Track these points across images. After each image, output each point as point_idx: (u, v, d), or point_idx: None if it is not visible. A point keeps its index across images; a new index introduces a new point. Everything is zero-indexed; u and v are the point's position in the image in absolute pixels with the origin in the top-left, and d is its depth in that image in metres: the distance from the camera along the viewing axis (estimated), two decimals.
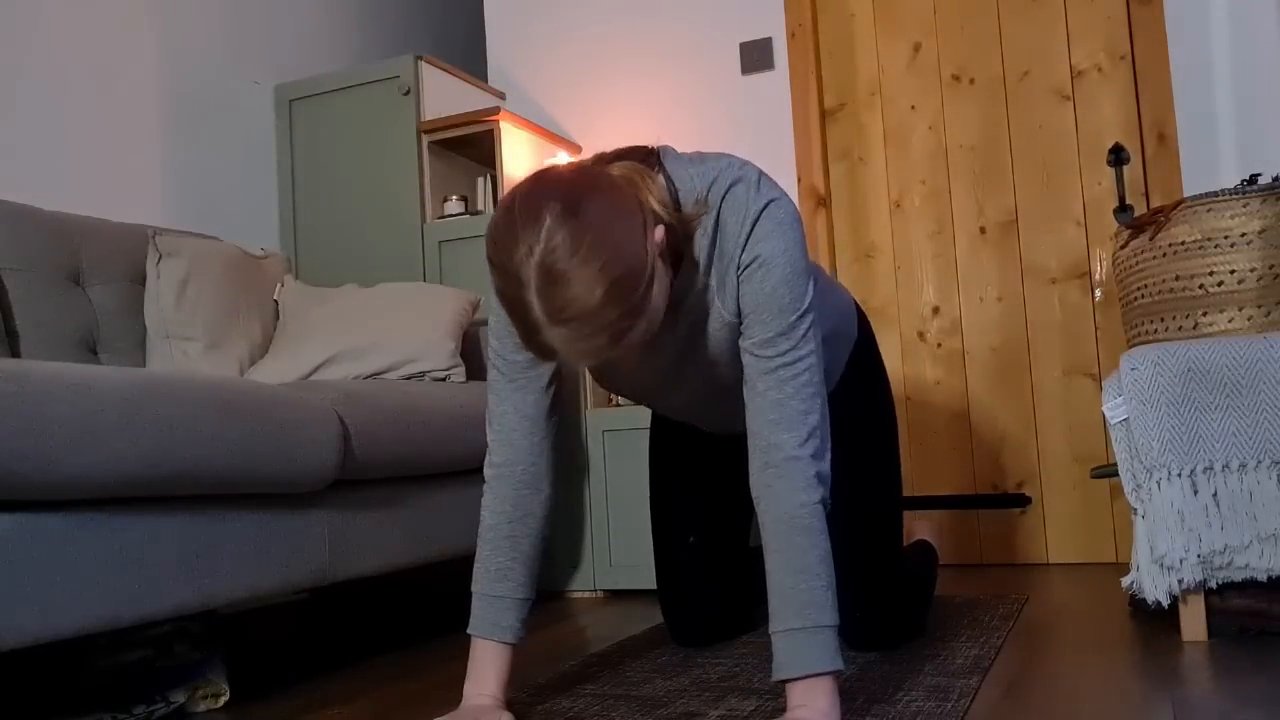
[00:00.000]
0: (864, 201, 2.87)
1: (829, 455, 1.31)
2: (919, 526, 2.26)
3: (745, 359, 1.33)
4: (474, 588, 1.44)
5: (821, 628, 1.24)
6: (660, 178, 1.31)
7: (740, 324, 1.34)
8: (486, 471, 1.46)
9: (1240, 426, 1.66)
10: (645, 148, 1.37)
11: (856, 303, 1.84)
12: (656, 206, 1.24)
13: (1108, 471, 1.90)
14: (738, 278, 1.32)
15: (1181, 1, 2.50)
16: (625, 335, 1.15)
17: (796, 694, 1.24)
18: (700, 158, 1.36)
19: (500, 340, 1.43)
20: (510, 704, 1.42)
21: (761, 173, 1.34)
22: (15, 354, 1.98)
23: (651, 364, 1.46)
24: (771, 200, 1.30)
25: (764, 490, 1.29)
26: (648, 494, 1.94)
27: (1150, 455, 1.70)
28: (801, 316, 1.30)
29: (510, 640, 1.41)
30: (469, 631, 1.43)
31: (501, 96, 3.19)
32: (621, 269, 1.11)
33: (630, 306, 1.13)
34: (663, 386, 1.52)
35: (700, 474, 1.86)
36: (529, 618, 1.44)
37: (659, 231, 1.21)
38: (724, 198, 1.31)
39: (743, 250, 1.30)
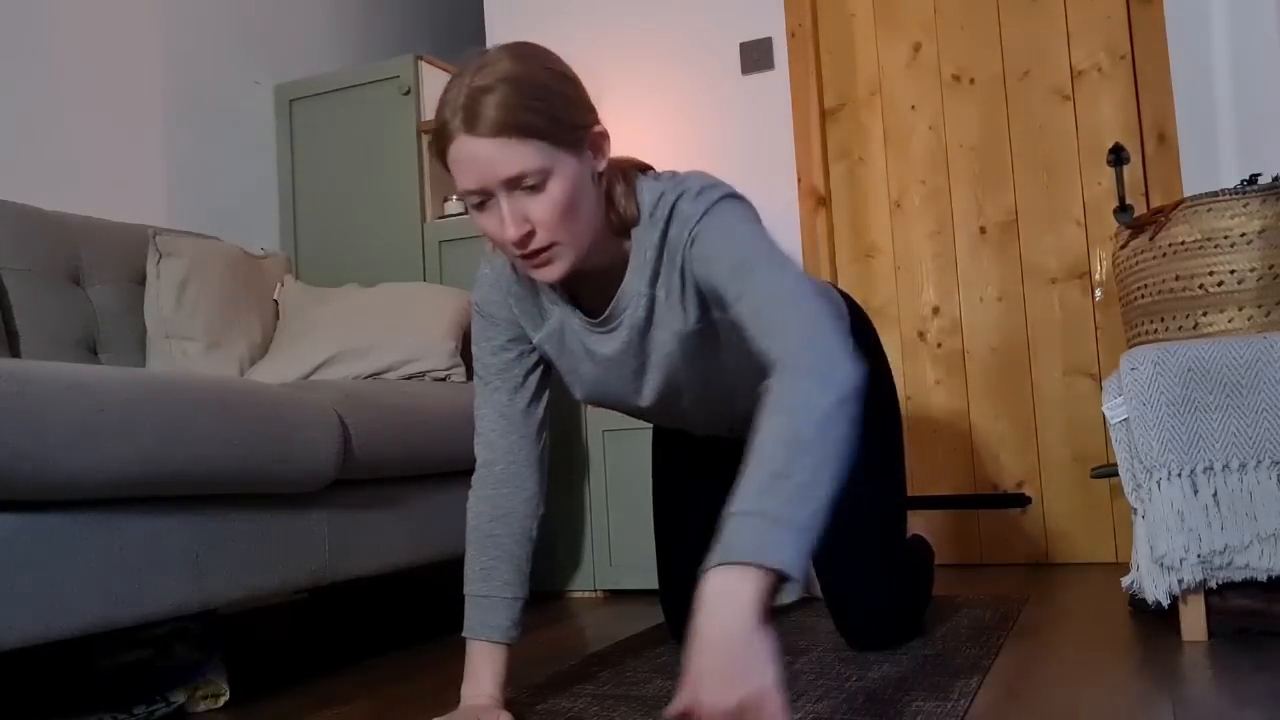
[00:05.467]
0: (864, 201, 2.87)
1: (848, 364, 1.10)
2: (914, 523, 2.26)
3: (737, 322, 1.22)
4: (465, 589, 1.45)
5: (787, 524, 0.98)
6: (632, 175, 1.34)
7: (704, 324, 1.33)
8: (473, 476, 1.48)
9: (1240, 426, 1.66)
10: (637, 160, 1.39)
11: (853, 299, 1.83)
12: (608, 158, 1.28)
13: (1108, 471, 1.90)
14: (692, 274, 1.29)
15: (1181, 1, 2.50)
16: (530, 141, 1.15)
17: (716, 582, 0.96)
18: (671, 175, 1.35)
19: (479, 345, 1.47)
20: (509, 704, 1.42)
21: (716, 184, 1.29)
22: (15, 354, 1.98)
23: (614, 374, 1.44)
24: (715, 202, 1.26)
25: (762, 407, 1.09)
26: (648, 494, 1.94)
27: (1150, 455, 1.70)
28: (766, 252, 1.21)
29: (502, 640, 1.42)
30: (463, 634, 1.43)
31: None
32: (555, 87, 1.19)
33: (547, 114, 1.16)
34: (629, 397, 1.50)
35: (702, 472, 1.86)
36: (521, 617, 1.44)
37: (605, 138, 1.26)
38: (671, 211, 1.29)
39: (689, 248, 1.27)
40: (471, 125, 1.15)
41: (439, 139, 1.19)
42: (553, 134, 1.17)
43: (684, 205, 1.27)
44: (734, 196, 1.29)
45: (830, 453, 1.04)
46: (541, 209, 1.19)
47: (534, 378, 1.47)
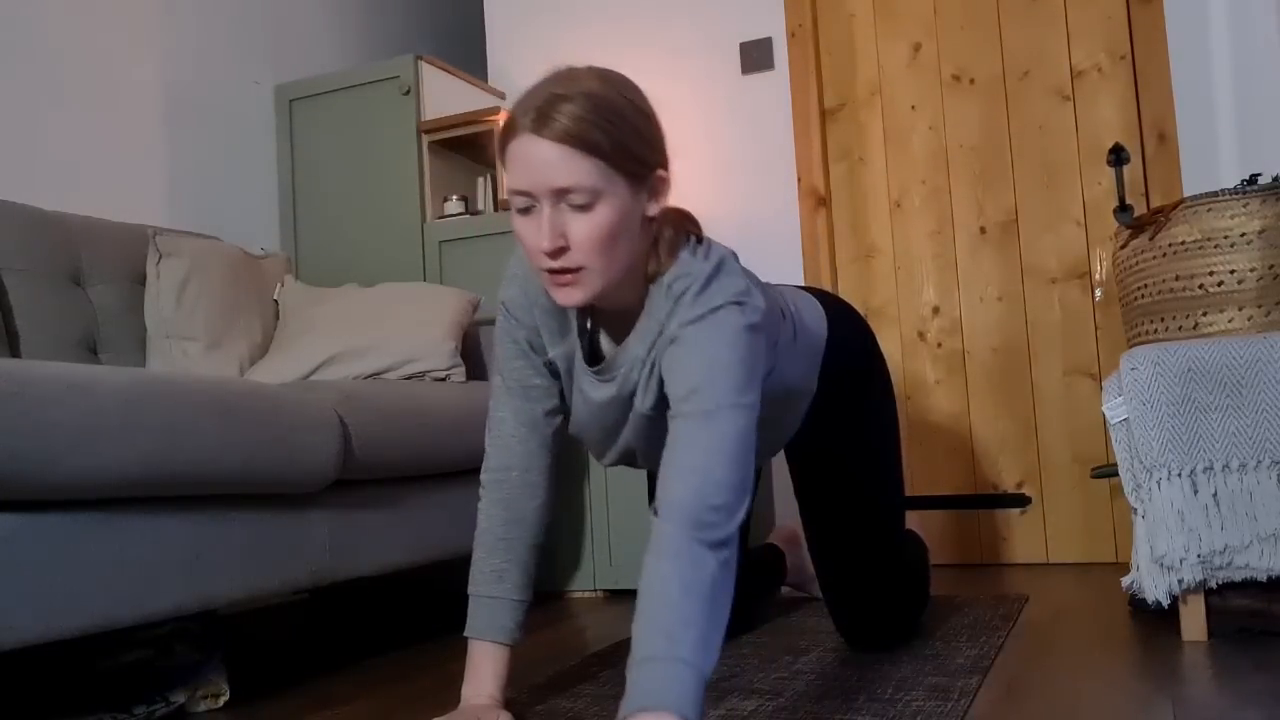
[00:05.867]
0: (864, 201, 2.87)
1: (732, 525, 1.16)
2: (911, 522, 2.25)
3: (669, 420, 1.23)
4: (470, 590, 1.44)
5: (683, 662, 1.06)
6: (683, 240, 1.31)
7: (658, 414, 1.31)
8: (483, 476, 1.47)
9: (1240, 426, 1.66)
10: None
11: (847, 303, 1.81)
12: (669, 222, 1.27)
13: (1108, 471, 1.90)
14: (660, 366, 1.28)
15: (1181, 1, 2.50)
16: (591, 158, 1.15)
17: None
18: (707, 252, 1.30)
19: (502, 344, 1.45)
20: (509, 704, 1.42)
21: (726, 285, 1.25)
22: (15, 354, 1.98)
23: (596, 421, 1.42)
24: (712, 310, 1.23)
25: (654, 542, 1.15)
26: (646, 493, 1.94)
27: (1150, 455, 1.70)
28: (724, 385, 1.20)
29: (507, 641, 1.42)
30: (466, 634, 1.43)
31: (501, 96, 3.19)
32: (632, 119, 1.20)
33: (616, 140, 1.16)
34: (599, 445, 1.49)
35: None
36: (525, 620, 1.44)
37: (667, 184, 1.25)
38: (678, 299, 1.26)
39: (670, 344, 1.25)
40: (540, 126, 1.15)
41: (506, 132, 1.20)
42: (614, 158, 1.17)
43: (687, 300, 1.24)
44: (737, 304, 1.23)
45: (720, 611, 1.13)
46: (582, 229, 1.18)
47: (556, 385, 1.45)
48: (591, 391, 1.39)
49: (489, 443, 1.47)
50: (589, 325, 1.40)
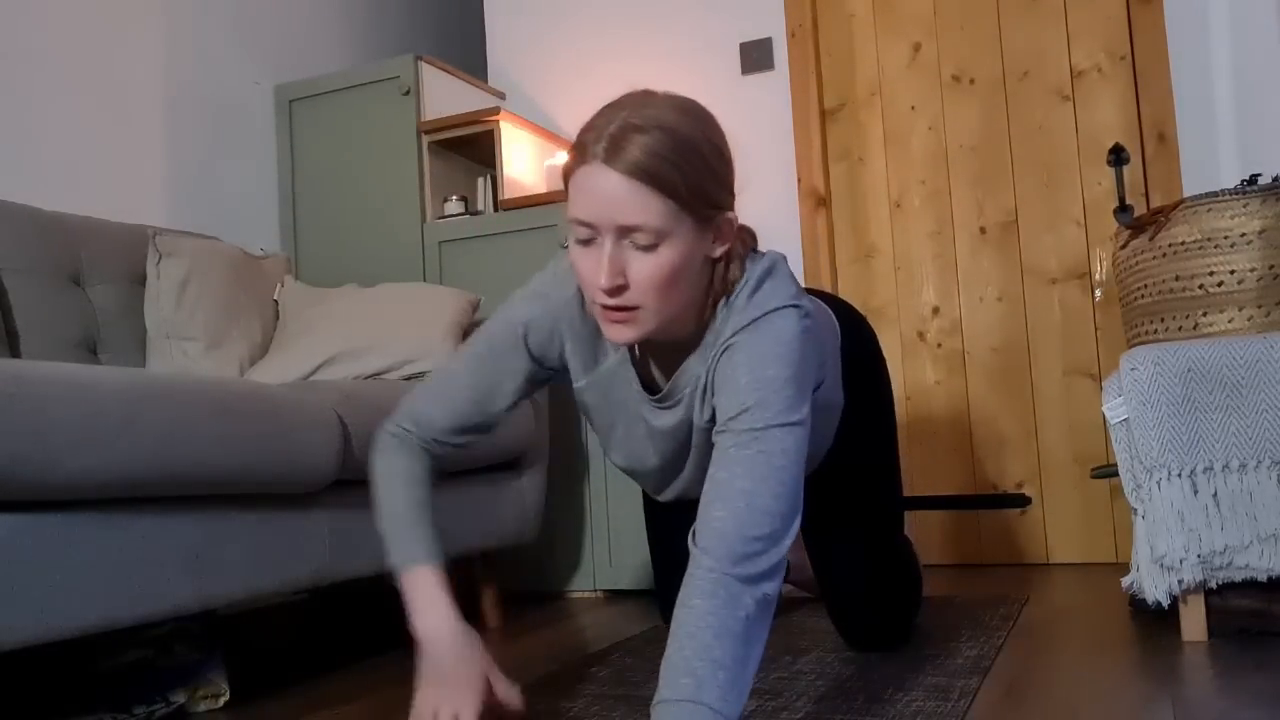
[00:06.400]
0: (864, 201, 2.87)
1: (775, 555, 1.11)
2: (910, 523, 2.25)
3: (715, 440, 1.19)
4: (389, 525, 1.34)
5: (707, 708, 1.02)
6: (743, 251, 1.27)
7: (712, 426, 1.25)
8: (394, 427, 1.39)
9: (1240, 426, 1.66)
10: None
11: (850, 306, 1.81)
12: (732, 238, 1.23)
13: (1108, 471, 1.90)
14: (714, 377, 1.24)
15: (1181, 1, 2.50)
16: (661, 196, 1.09)
17: None
18: (765, 264, 1.28)
19: (498, 354, 1.38)
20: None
21: (779, 286, 1.24)
22: (15, 354, 1.98)
23: (664, 442, 1.38)
24: (766, 313, 1.20)
25: (690, 572, 1.11)
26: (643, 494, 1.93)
27: (1150, 455, 1.70)
28: (776, 397, 1.16)
29: (440, 564, 1.32)
30: (400, 563, 1.31)
31: (501, 96, 3.19)
32: (707, 156, 1.15)
33: (687, 179, 1.11)
34: (661, 472, 1.45)
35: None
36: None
37: (733, 227, 1.21)
38: (736, 296, 1.23)
39: (723, 352, 1.22)
40: (612, 156, 1.09)
41: (574, 157, 1.13)
42: (686, 199, 1.11)
43: (739, 304, 1.22)
44: (792, 307, 1.21)
45: (753, 651, 1.07)
46: (644, 270, 1.13)
47: (522, 394, 1.41)
48: (655, 420, 1.34)
49: (423, 397, 1.39)
50: (637, 354, 1.35)
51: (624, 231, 1.12)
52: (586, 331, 1.35)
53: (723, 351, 1.21)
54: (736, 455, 1.13)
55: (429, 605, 1.29)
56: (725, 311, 1.23)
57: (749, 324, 1.20)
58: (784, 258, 1.29)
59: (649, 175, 1.09)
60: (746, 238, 1.28)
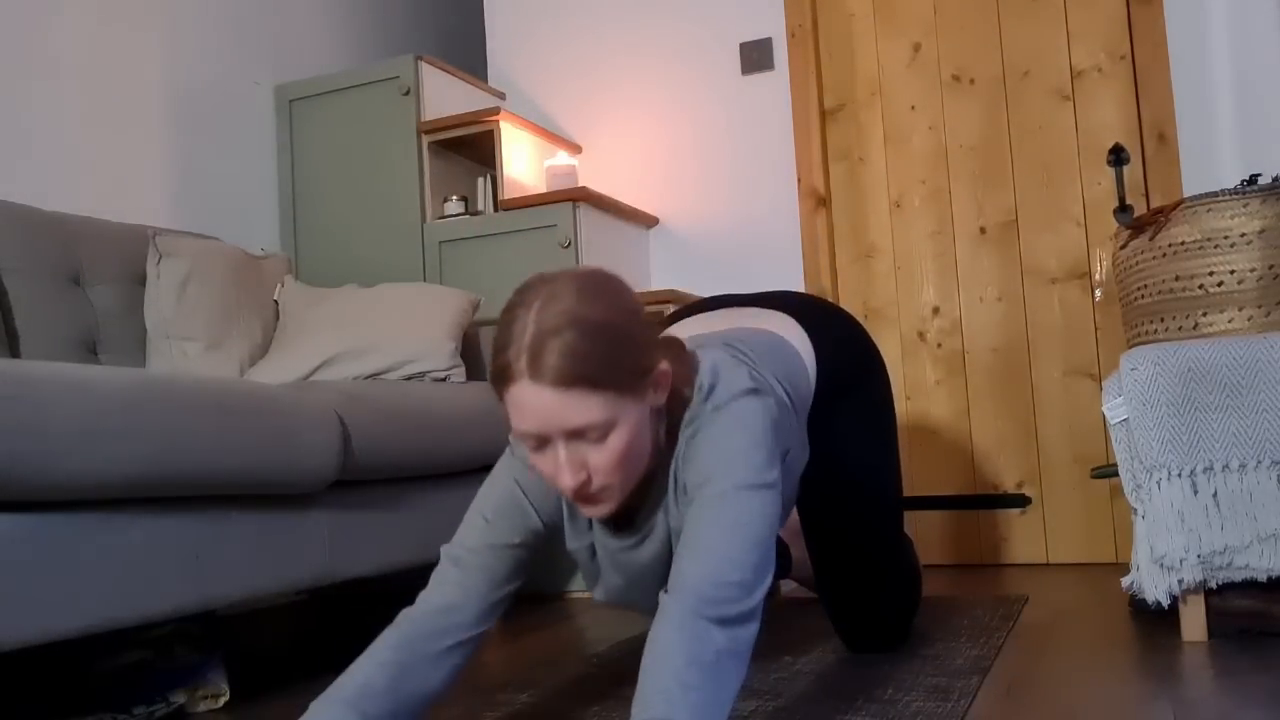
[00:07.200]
0: (864, 201, 2.87)
1: (748, 602, 1.09)
2: (909, 522, 2.24)
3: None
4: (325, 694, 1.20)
5: None
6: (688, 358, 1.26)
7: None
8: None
9: (1240, 426, 1.66)
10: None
11: (838, 312, 1.77)
12: (674, 363, 1.21)
13: (1108, 471, 1.90)
14: (681, 469, 1.22)
15: (1181, 1, 2.50)
16: (596, 392, 1.08)
17: None
18: (712, 357, 1.27)
19: (496, 522, 1.31)
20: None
21: (736, 375, 1.23)
22: (15, 354, 1.98)
23: (651, 571, 1.35)
24: (728, 401, 1.20)
25: (659, 615, 1.10)
26: None
27: (1150, 455, 1.70)
28: (742, 468, 1.16)
29: None
30: None
31: (501, 96, 3.19)
32: (624, 329, 1.12)
33: (615, 364, 1.09)
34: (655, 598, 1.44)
35: None
36: None
37: (668, 375, 1.18)
38: (691, 406, 1.21)
39: (689, 440, 1.22)
40: (536, 372, 1.08)
41: (500, 376, 1.12)
42: (617, 384, 1.11)
43: (696, 408, 1.22)
44: (750, 393, 1.21)
45: (726, 686, 1.05)
46: (601, 458, 1.13)
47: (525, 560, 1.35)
48: (632, 558, 1.33)
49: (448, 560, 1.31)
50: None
51: (572, 434, 1.12)
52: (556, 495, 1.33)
53: (689, 440, 1.21)
54: (705, 515, 1.13)
55: None
56: (686, 430, 1.23)
57: (711, 413, 1.20)
58: (724, 350, 1.29)
59: (577, 379, 1.08)
60: (682, 363, 1.25)
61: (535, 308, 1.10)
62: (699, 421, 1.21)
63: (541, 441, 1.13)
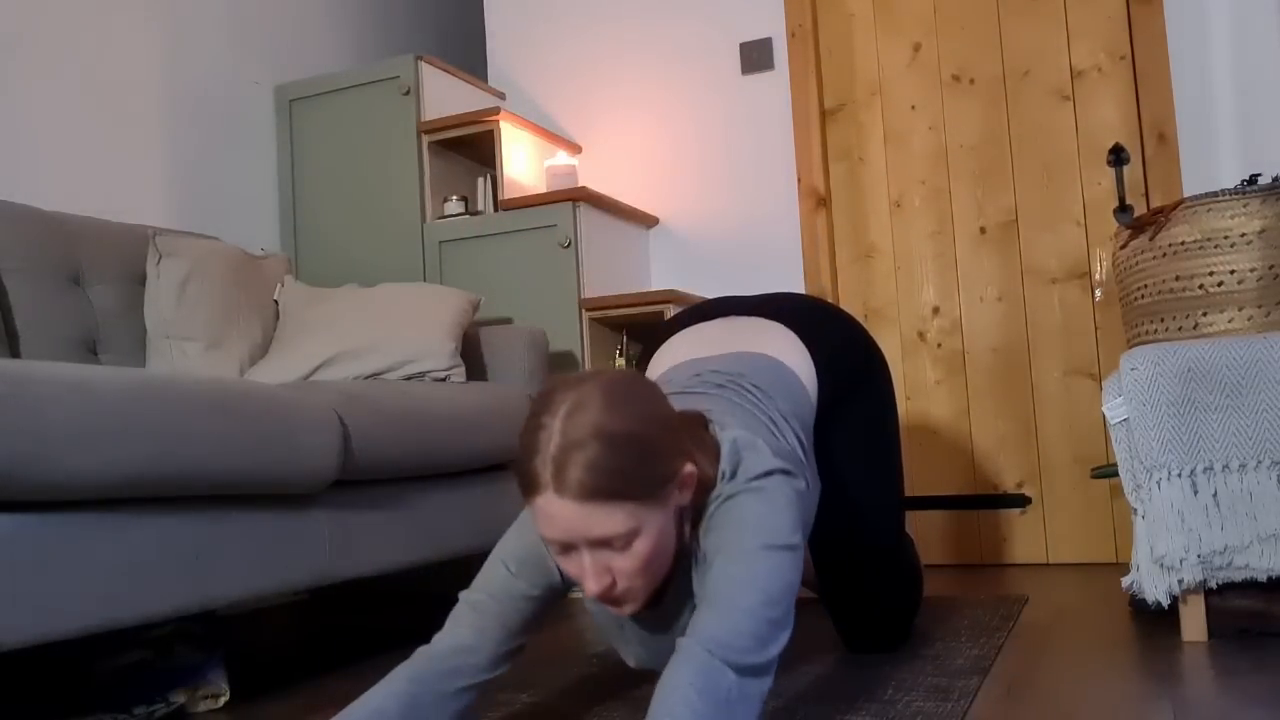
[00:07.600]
0: (864, 201, 2.87)
1: (764, 654, 1.10)
2: (909, 522, 2.24)
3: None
4: None
5: None
6: (711, 436, 1.26)
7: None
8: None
9: (1240, 426, 1.66)
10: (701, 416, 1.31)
11: (839, 315, 1.76)
12: (697, 456, 1.21)
13: (1108, 471, 1.90)
14: (705, 541, 1.22)
15: (1181, 1, 2.50)
16: (619, 504, 1.09)
17: None
18: (734, 440, 1.25)
19: (521, 570, 1.31)
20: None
21: (761, 457, 1.23)
22: (15, 354, 1.98)
23: (666, 645, 1.35)
24: (753, 478, 1.20)
25: (674, 656, 1.10)
26: None
27: (1150, 455, 1.70)
28: (763, 536, 1.16)
29: None
30: None
31: (501, 96, 3.19)
32: (648, 439, 1.11)
33: (640, 475, 1.10)
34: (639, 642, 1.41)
35: None
36: None
37: (693, 476, 1.18)
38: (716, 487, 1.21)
39: (714, 514, 1.21)
40: (560, 485, 1.09)
41: (526, 485, 1.12)
42: (643, 495, 1.11)
43: (726, 491, 1.21)
44: (781, 473, 1.22)
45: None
46: (626, 564, 1.14)
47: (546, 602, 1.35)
48: (659, 635, 1.34)
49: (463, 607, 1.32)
50: None
51: (597, 543, 1.12)
52: None
53: (714, 513, 1.21)
54: (726, 570, 1.14)
55: None
56: (709, 509, 1.23)
57: (735, 494, 1.20)
58: (739, 416, 1.29)
59: (602, 493, 1.09)
60: (705, 450, 1.24)
61: (561, 415, 1.10)
62: (721, 500, 1.21)
63: (567, 547, 1.14)
